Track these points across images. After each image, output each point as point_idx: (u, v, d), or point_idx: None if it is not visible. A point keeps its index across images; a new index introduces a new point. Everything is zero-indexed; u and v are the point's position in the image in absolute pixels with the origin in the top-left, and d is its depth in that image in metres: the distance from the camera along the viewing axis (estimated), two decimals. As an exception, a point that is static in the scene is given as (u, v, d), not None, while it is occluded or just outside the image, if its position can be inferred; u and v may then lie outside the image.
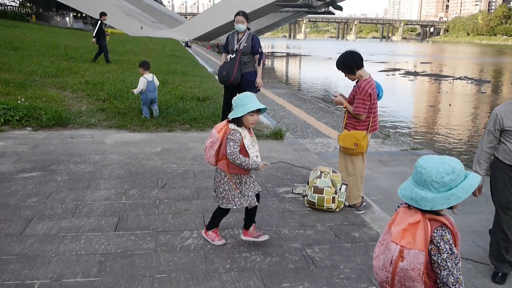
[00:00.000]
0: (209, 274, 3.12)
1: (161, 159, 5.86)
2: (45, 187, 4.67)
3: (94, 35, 16.41)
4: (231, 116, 3.26)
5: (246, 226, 3.60)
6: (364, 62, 4.35)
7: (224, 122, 3.36)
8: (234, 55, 6.76)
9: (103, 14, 16.66)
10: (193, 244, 3.55)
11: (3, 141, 6.40)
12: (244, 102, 3.19)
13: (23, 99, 8.07)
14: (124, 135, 7.04)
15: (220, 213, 3.56)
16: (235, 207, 3.40)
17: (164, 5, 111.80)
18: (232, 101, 3.26)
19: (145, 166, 5.54)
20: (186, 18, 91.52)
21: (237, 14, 6.66)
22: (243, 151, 3.25)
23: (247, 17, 6.76)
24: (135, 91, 7.87)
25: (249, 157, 3.26)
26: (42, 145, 6.28)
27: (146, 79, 7.86)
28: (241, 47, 6.73)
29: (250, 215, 3.56)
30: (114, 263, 3.22)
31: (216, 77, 16.32)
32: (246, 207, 3.48)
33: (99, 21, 16.55)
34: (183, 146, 6.53)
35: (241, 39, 6.74)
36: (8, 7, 78.74)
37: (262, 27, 69.84)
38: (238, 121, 3.24)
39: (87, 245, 3.46)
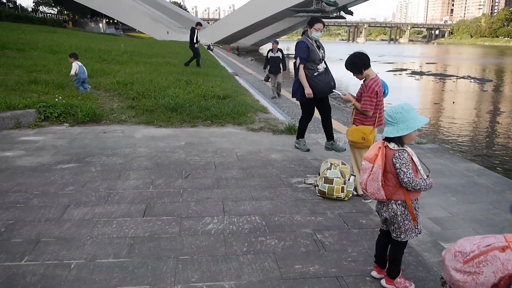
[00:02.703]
0: (228, 256, 3.15)
1: (185, 152, 5.90)
2: (80, 177, 4.75)
3: (195, 41, 17.18)
4: (390, 134, 2.59)
5: (383, 265, 2.90)
6: (371, 63, 4.33)
7: (377, 146, 2.65)
8: (324, 64, 5.90)
9: (198, 24, 17.28)
10: (214, 229, 3.58)
11: (43, 136, 6.52)
12: (408, 116, 2.54)
13: (60, 98, 8.20)
14: (152, 130, 7.11)
15: (401, 249, 2.76)
16: (419, 235, 2.74)
17: (188, 11, 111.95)
18: (388, 116, 2.61)
19: (170, 158, 5.59)
20: (209, 23, 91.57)
21: (318, 21, 5.69)
22: (414, 170, 2.58)
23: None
24: (71, 73, 9.46)
25: (419, 176, 2.61)
26: (78, 140, 6.38)
27: (78, 64, 9.45)
28: (324, 55, 5.91)
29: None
30: (142, 245, 3.27)
31: (236, 77, 16.47)
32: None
33: (195, 30, 17.02)
34: (205, 140, 6.56)
35: (319, 46, 5.85)
36: (48, 14, 79.96)
37: (278, 30, 69.54)
38: (399, 139, 2.59)
39: (118, 229, 3.52)
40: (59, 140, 6.32)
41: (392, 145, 2.58)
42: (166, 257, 3.11)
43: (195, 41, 17.21)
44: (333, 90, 5.36)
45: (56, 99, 7.99)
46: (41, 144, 6.05)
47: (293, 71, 5.84)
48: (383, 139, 2.64)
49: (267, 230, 3.59)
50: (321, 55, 5.79)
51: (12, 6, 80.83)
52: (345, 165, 4.57)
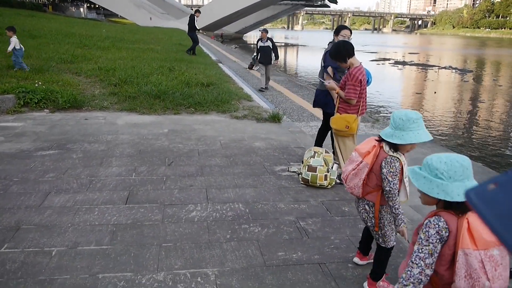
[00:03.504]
0: (211, 244, 3.15)
1: (168, 139, 5.86)
2: (61, 164, 4.68)
3: (197, 28, 17.24)
4: (384, 136, 2.42)
5: (366, 252, 2.99)
6: (355, 52, 4.34)
7: (372, 142, 2.53)
8: None
9: (197, 11, 17.15)
10: (197, 216, 3.57)
11: (22, 122, 6.39)
12: (407, 126, 2.30)
13: (40, 83, 8.02)
14: (134, 117, 7.02)
15: (384, 253, 2.68)
16: (394, 243, 2.68)
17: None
18: (392, 117, 2.41)
19: (154, 145, 5.54)
20: (192, 9, 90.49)
21: (344, 28, 5.12)
22: (399, 180, 2.44)
23: None
24: (10, 49, 9.10)
25: (401, 188, 2.47)
26: (59, 126, 6.27)
27: (17, 39, 9.17)
28: None
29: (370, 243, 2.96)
30: (125, 233, 3.24)
31: (220, 64, 16.36)
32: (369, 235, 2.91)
33: (195, 17, 16.86)
34: (188, 128, 6.51)
35: None
36: (26, -3, 77.81)
37: (262, 18, 69.08)
38: (393, 145, 2.40)
39: (100, 217, 3.49)
40: (39, 126, 6.20)
41: (386, 148, 2.42)
42: (149, 244, 3.10)
43: (195, 28, 17.11)
44: (319, 79, 5.34)
45: (36, 85, 7.82)
46: (21, 130, 5.93)
47: (318, 81, 5.19)
48: (376, 140, 2.50)
49: (251, 218, 3.60)
50: None
51: (-11, -12, 78.39)
52: (328, 153, 4.60)
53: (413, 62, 32.81)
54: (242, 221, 3.53)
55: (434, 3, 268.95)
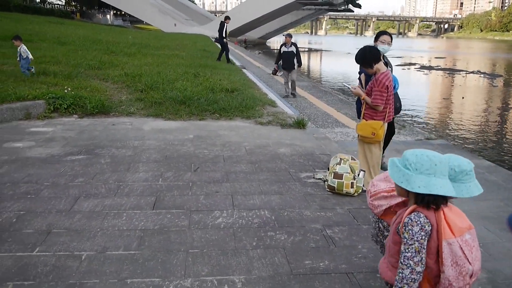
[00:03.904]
0: (238, 251, 3.15)
1: (194, 145, 5.90)
2: (90, 169, 4.77)
3: (224, 36, 17.14)
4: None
5: None
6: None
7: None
8: None
9: (227, 18, 17.22)
10: (223, 223, 3.58)
11: (52, 127, 6.55)
12: (467, 178, 2.02)
13: (69, 89, 8.22)
14: (160, 123, 7.11)
15: None
16: None
17: (195, 3, 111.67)
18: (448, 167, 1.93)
19: (179, 151, 5.60)
20: (216, 15, 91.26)
21: (384, 33, 4.93)
22: None
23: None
24: (30, 56, 9.33)
25: None
26: (87, 131, 6.40)
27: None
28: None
29: None
30: (152, 238, 3.28)
31: (244, 70, 16.41)
32: None
33: (225, 24, 17.06)
34: (213, 134, 6.55)
35: (386, 63, 4.98)
36: (55, 5, 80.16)
37: (285, 23, 69.15)
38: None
39: (128, 222, 3.53)
40: (69, 131, 6.35)
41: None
42: (176, 250, 3.12)
43: (224, 35, 17.16)
44: (344, 84, 5.30)
45: (65, 90, 8.02)
46: (51, 135, 6.08)
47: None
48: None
49: (277, 225, 3.59)
50: None
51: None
52: (354, 160, 4.55)
53: (439, 67, 32.27)
54: (268, 228, 3.52)
55: (460, 6, 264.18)
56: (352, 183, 4.31)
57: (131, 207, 3.81)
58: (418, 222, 1.72)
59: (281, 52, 11.38)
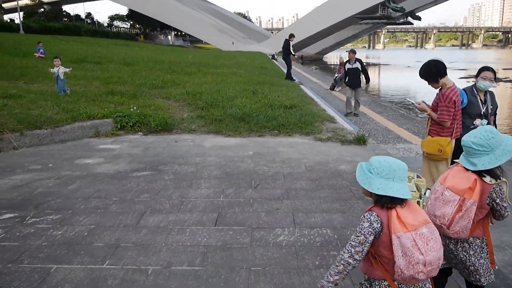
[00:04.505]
0: (300, 270, 3.10)
1: (253, 161, 5.95)
2: (154, 185, 4.93)
3: (292, 54, 17.71)
4: (490, 165, 2.23)
5: None
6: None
7: (469, 177, 2.30)
8: (485, 121, 4.59)
9: (292, 35, 17.66)
10: (285, 241, 3.55)
11: (119, 144, 6.87)
12: (501, 139, 2.26)
13: (135, 108, 8.61)
14: (220, 140, 7.25)
15: None
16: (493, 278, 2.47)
17: (252, 22, 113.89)
18: (477, 145, 2.27)
19: (239, 167, 5.66)
20: (272, 33, 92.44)
21: (486, 69, 4.65)
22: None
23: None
24: (68, 70, 9.90)
25: None
26: (152, 148, 6.65)
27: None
28: (491, 111, 4.65)
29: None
30: (215, 254, 3.31)
31: (302, 86, 16.40)
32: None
33: (289, 42, 17.45)
34: (273, 150, 6.57)
35: (485, 100, 4.64)
36: (121, 28, 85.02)
37: (342, 38, 68.65)
38: (494, 171, 2.28)
39: (191, 237, 3.60)
40: (134, 148, 6.62)
41: (488, 179, 2.26)
42: (239, 267, 3.13)
43: (290, 52, 17.32)
44: (408, 99, 5.14)
45: (131, 109, 8.40)
46: (118, 152, 6.37)
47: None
48: (471, 171, 2.29)
49: (339, 244, 3.50)
50: (482, 109, 4.58)
51: (90, 22, 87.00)
52: (420, 178, 4.36)
53: (508, 79, 30.50)
54: (330, 248, 3.45)
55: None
56: (418, 202, 4.12)
57: (194, 223, 3.88)
58: (369, 219, 1.97)
59: (346, 69, 10.96)
